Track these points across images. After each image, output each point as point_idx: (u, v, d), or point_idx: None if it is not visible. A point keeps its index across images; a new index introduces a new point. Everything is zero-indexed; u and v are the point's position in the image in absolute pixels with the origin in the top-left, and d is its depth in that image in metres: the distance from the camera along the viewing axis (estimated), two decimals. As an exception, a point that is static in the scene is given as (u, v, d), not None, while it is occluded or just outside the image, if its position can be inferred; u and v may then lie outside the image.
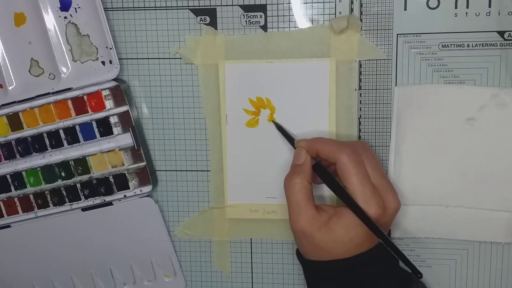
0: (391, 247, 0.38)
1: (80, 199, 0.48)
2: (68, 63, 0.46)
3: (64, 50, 0.45)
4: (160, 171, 0.48)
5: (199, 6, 0.45)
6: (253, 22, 0.44)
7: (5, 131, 0.47)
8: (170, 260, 0.50)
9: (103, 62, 0.45)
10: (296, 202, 0.40)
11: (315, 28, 0.44)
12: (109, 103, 0.46)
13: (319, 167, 0.40)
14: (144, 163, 0.47)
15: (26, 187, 0.48)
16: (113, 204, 0.48)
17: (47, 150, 0.47)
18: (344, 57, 0.44)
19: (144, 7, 0.45)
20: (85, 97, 0.46)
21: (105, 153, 0.47)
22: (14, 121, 0.47)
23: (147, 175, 0.47)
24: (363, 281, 0.40)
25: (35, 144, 0.47)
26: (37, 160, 0.48)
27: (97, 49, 0.45)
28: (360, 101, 0.45)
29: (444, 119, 0.43)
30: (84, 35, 0.45)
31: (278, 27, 0.44)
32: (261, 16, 0.44)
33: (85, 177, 0.48)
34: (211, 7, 0.45)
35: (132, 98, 0.47)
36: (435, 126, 0.43)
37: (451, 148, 0.44)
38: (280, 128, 0.45)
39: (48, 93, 0.46)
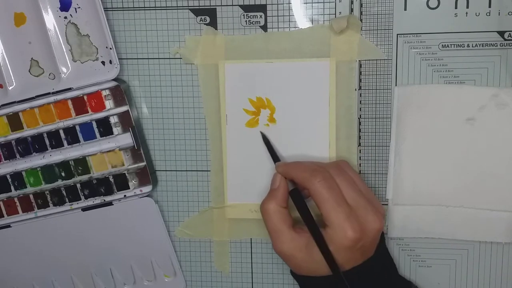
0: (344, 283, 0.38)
1: (80, 199, 0.48)
2: (68, 63, 0.46)
3: (64, 50, 0.45)
4: (160, 171, 0.48)
5: (199, 6, 0.45)
6: (253, 22, 0.44)
7: (5, 131, 0.47)
8: (170, 260, 0.50)
9: (103, 62, 0.45)
10: (272, 227, 0.41)
11: (315, 28, 0.44)
12: (109, 103, 0.46)
13: (296, 194, 0.41)
14: (144, 163, 0.47)
15: (26, 187, 0.48)
16: (113, 204, 0.48)
17: (47, 150, 0.47)
18: (344, 57, 0.44)
19: (144, 7, 0.45)
20: (85, 97, 0.46)
21: (105, 153, 0.47)
22: (14, 121, 0.47)
23: (147, 175, 0.47)
24: None
25: (35, 144, 0.47)
26: (37, 160, 0.48)
27: (97, 49, 0.45)
28: (360, 101, 0.45)
29: (444, 119, 0.43)
30: (84, 35, 0.45)
31: (278, 27, 0.44)
32: (261, 16, 0.44)
33: (85, 177, 0.48)
34: (211, 7, 0.45)
35: (132, 98, 0.47)
36: (435, 126, 0.43)
37: (451, 148, 0.44)
38: (267, 142, 0.45)
39: (48, 93, 0.46)
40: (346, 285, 0.38)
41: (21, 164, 0.48)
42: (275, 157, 0.44)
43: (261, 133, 0.46)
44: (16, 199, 0.49)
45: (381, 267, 0.42)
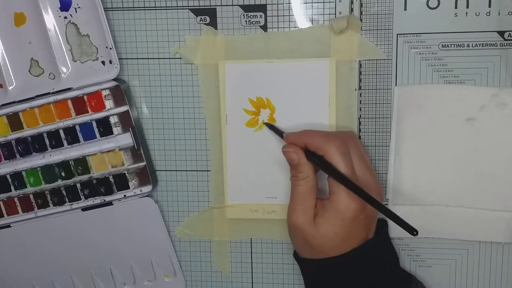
0: (384, 210, 0.37)
1: (80, 199, 0.48)
2: (68, 63, 0.46)
3: (64, 50, 0.45)
4: (160, 171, 0.48)
5: (199, 6, 0.45)
6: (253, 22, 0.44)
7: (5, 131, 0.47)
8: (170, 260, 0.50)
9: (103, 62, 0.45)
10: (302, 193, 0.40)
11: (315, 28, 0.44)
12: (109, 103, 0.46)
13: (310, 153, 0.40)
14: (144, 163, 0.47)
15: (26, 187, 0.48)
16: (113, 204, 0.48)
17: (47, 150, 0.47)
18: (344, 57, 0.44)
19: (144, 7, 0.45)
20: (85, 97, 0.46)
21: (105, 153, 0.47)
22: (14, 121, 0.47)
23: (147, 175, 0.47)
24: (358, 280, 0.39)
25: (35, 144, 0.47)
26: (37, 160, 0.48)
27: (97, 49, 0.45)
28: (360, 101, 0.45)
29: (444, 119, 0.43)
30: (84, 35, 0.45)
31: (278, 27, 0.44)
32: (261, 16, 0.44)
33: (85, 177, 0.48)
34: (211, 7, 0.45)
35: (132, 98, 0.47)
36: (435, 126, 0.43)
37: (451, 148, 0.43)
38: (271, 127, 0.45)
39: (48, 93, 0.46)
40: (347, 269, 0.38)
41: (21, 164, 0.48)
42: (281, 133, 0.44)
43: (264, 123, 0.45)
44: (16, 199, 0.49)
45: (383, 256, 0.42)
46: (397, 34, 0.43)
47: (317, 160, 0.39)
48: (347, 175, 0.38)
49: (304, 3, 0.43)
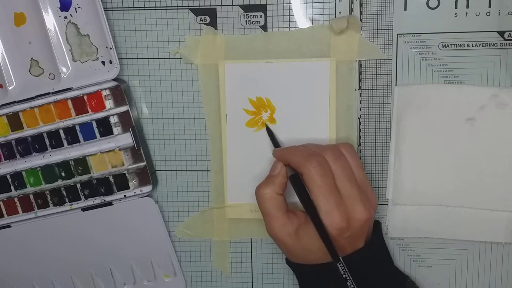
0: (342, 269, 0.37)
1: (80, 199, 0.48)
2: (68, 63, 0.46)
3: (64, 50, 0.45)
4: (160, 171, 0.48)
5: (199, 6, 0.45)
6: (253, 22, 0.44)
7: (5, 131, 0.47)
8: (170, 260, 0.50)
9: (103, 62, 0.45)
10: (266, 211, 0.40)
11: (315, 28, 0.44)
12: (109, 103, 0.46)
13: (295, 179, 0.40)
14: (144, 163, 0.47)
15: (26, 187, 0.48)
16: (113, 204, 0.48)
17: (47, 150, 0.47)
18: (344, 57, 0.44)
19: (144, 7, 0.45)
20: (85, 97, 0.46)
21: (105, 153, 0.47)
22: (14, 121, 0.47)
23: (147, 175, 0.47)
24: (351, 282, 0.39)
25: (35, 144, 0.47)
26: (37, 160, 0.48)
27: (97, 49, 0.45)
28: (360, 101, 0.45)
29: (444, 119, 0.43)
30: (84, 35, 0.45)
31: (278, 27, 0.44)
32: (261, 16, 0.44)
33: (85, 177, 0.48)
34: (211, 7, 0.45)
35: (132, 98, 0.47)
36: (435, 126, 0.43)
37: (451, 148, 0.44)
38: (269, 132, 0.45)
39: (48, 93, 0.46)
40: (336, 273, 0.38)
41: (21, 164, 0.48)
42: (276, 145, 0.44)
43: (266, 125, 0.45)
44: (16, 199, 0.49)
45: (374, 259, 0.42)
46: (397, 34, 0.43)
47: (292, 182, 0.40)
48: (323, 197, 0.38)
49: (304, 3, 0.43)
